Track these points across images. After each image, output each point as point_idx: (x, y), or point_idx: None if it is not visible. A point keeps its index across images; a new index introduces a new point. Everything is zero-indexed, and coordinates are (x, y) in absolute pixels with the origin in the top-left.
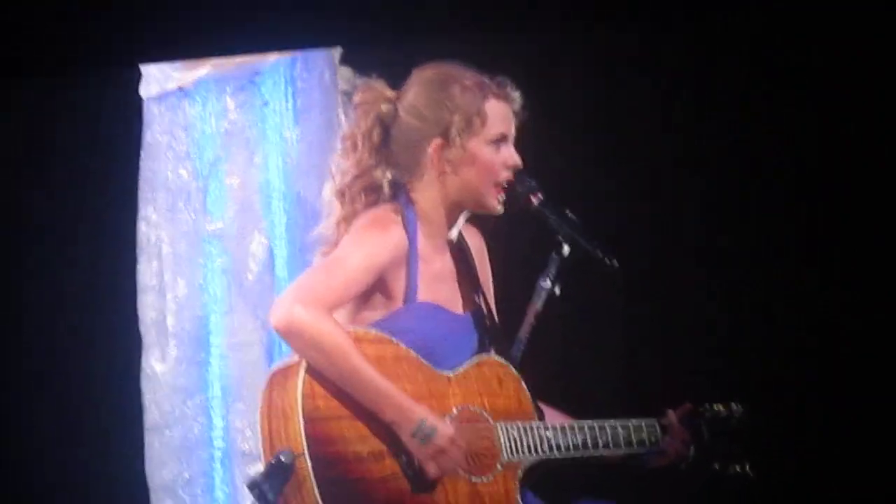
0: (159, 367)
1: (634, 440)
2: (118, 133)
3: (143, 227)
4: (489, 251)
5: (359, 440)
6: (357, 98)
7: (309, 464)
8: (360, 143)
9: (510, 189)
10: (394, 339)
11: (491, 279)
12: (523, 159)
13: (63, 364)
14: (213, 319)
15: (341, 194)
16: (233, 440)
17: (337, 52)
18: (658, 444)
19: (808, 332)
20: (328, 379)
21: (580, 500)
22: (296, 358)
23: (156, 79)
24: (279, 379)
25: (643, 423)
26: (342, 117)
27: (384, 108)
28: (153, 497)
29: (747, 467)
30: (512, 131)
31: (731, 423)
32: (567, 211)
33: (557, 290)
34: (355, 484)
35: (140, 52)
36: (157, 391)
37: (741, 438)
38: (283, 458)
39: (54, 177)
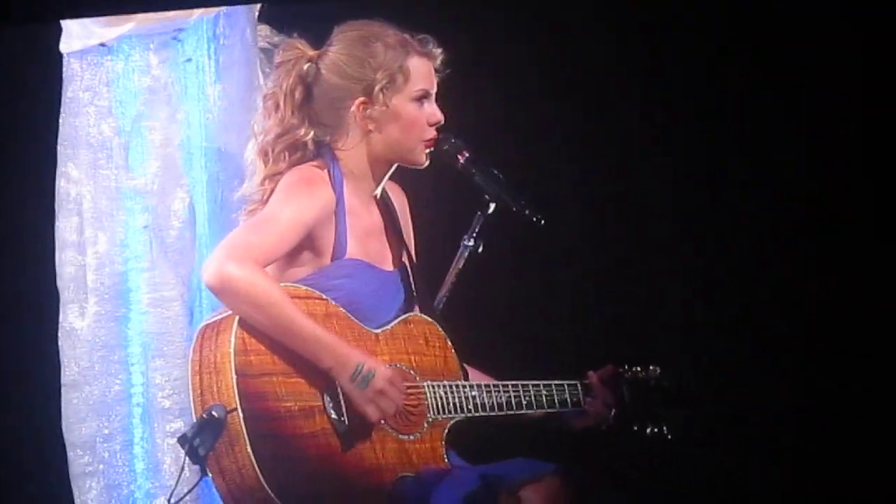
0: (78, 322)
1: (557, 400)
2: (36, 89)
3: (62, 183)
4: (411, 209)
5: (290, 396)
6: (278, 57)
7: (241, 419)
8: (282, 103)
9: (436, 148)
10: (324, 295)
11: (412, 236)
12: (446, 117)
13: None
14: (133, 276)
15: (264, 154)
16: (153, 396)
17: (256, 9)
18: (580, 405)
19: (727, 292)
20: (261, 334)
21: (502, 459)
22: (226, 313)
23: (77, 34)
24: (210, 334)
25: (565, 384)
26: (260, 75)
27: (306, 66)
28: (71, 453)
29: (665, 428)
30: (434, 88)
31: (649, 384)
32: (493, 169)
33: (480, 249)
34: (287, 440)
35: (62, 8)
36: (76, 347)
37: (659, 400)
38: (214, 413)
39: None
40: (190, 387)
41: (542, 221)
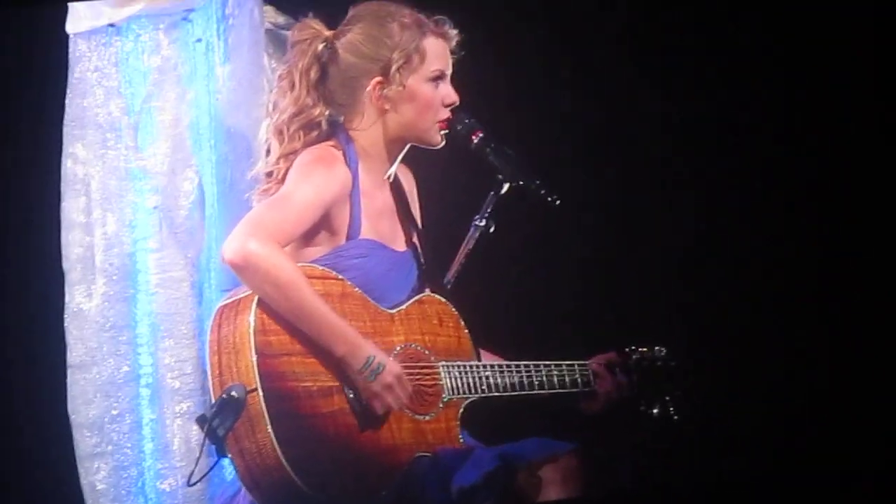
0: (86, 303)
1: (567, 381)
2: (41, 70)
3: (69, 164)
4: (422, 189)
5: (309, 376)
6: (294, 36)
7: (262, 399)
8: (297, 82)
9: (450, 128)
10: (340, 275)
11: (419, 217)
12: (461, 97)
13: None
14: (141, 256)
15: (279, 132)
16: (162, 377)
17: None
18: (590, 385)
19: (736, 274)
20: (279, 314)
21: (514, 439)
22: (241, 294)
23: (85, 15)
24: (229, 314)
25: (576, 365)
26: (265, 57)
27: (321, 46)
28: (77, 435)
29: (671, 409)
30: (449, 69)
31: (656, 365)
32: (507, 149)
33: (492, 229)
34: (306, 420)
35: None
36: (83, 328)
37: (665, 380)
38: (234, 394)
39: None
40: (208, 367)
41: (558, 201)
